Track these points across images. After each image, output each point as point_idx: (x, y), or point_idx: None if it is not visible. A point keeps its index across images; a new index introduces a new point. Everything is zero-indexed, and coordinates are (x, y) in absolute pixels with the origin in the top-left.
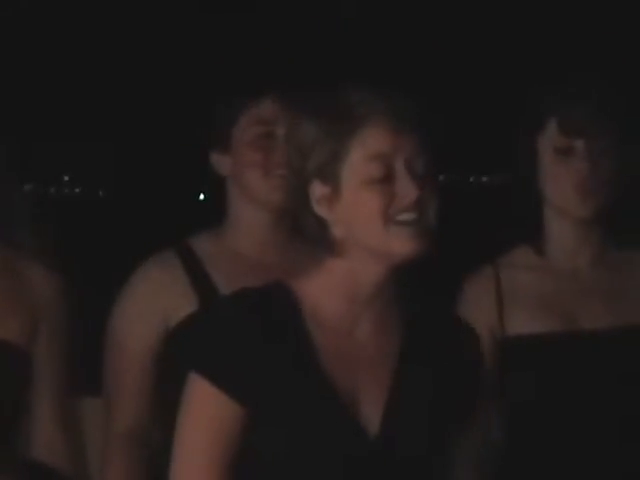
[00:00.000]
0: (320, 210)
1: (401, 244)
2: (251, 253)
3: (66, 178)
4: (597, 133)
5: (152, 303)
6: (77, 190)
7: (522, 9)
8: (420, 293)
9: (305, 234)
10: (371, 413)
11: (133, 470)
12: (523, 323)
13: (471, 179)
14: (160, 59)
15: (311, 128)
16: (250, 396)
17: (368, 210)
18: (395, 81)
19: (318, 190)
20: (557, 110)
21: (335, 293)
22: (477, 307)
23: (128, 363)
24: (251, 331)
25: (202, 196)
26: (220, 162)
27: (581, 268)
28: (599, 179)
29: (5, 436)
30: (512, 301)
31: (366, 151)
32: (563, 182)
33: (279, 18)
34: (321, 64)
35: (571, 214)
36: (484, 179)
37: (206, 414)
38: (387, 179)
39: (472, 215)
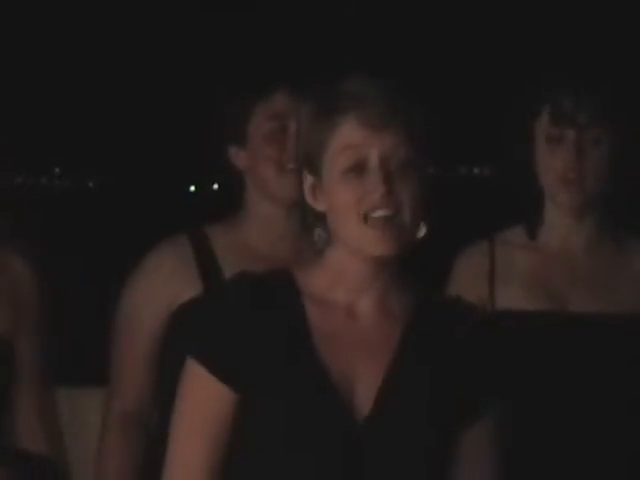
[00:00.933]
0: (310, 200)
1: (373, 244)
2: (263, 246)
3: (57, 170)
4: (588, 123)
5: (159, 286)
6: (67, 182)
7: (519, 1)
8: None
9: (305, 225)
10: (365, 398)
11: (129, 451)
12: (512, 299)
13: (462, 171)
14: (153, 53)
15: (303, 119)
16: (243, 381)
17: (342, 202)
18: (391, 73)
19: (307, 180)
20: (549, 98)
21: (331, 281)
22: (469, 279)
23: (132, 344)
24: (245, 315)
25: (192, 188)
26: (236, 156)
27: (574, 253)
28: (587, 170)
29: None
30: (504, 277)
31: (342, 141)
32: (552, 170)
33: (286, 15)
34: (330, 57)
35: (559, 202)
36: (475, 171)
37: (200, 398)
38: (361, 173)
39: (462, 206)
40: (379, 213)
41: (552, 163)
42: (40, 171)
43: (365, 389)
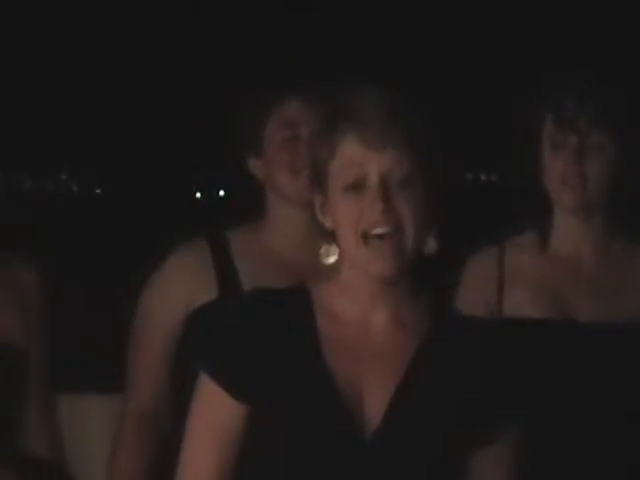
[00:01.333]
0: (320, 217)
1: (373, 264)
2: (284, 252)
3: (64, 176)
4: (590, 129)
5: (176, 289)
6: (74, 188)
7: (523, 5)
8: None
9: (293, 237)
10: (375, 413)
11: (144, 451)
12: (520, 306)
13: (469, 177)
14: (164, 61)
15: (311, 134)
16: (254, 396)
17: (343, 220)
18: (396, 79)
19: (317, 198)
20: (552, 105)
21: (344, 295)
22: (478, 284)
23: (149, 345)
24: (257, 330)
25: (198, 194)
26: (255, 166)
27: (583, 260)
28: (588, 174)
29: (3, 431)
30: (513, 283)
31: (343, 160)
32: (555, 175)
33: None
34: (337, 63)
35: (560, 205)
36: (482, 177)
37: (212, 412)
38: (360, 190)
39: (470, 213)
40: (378, 231)
41: (554, 167)
42: (47, 177)
43: (375, 404)
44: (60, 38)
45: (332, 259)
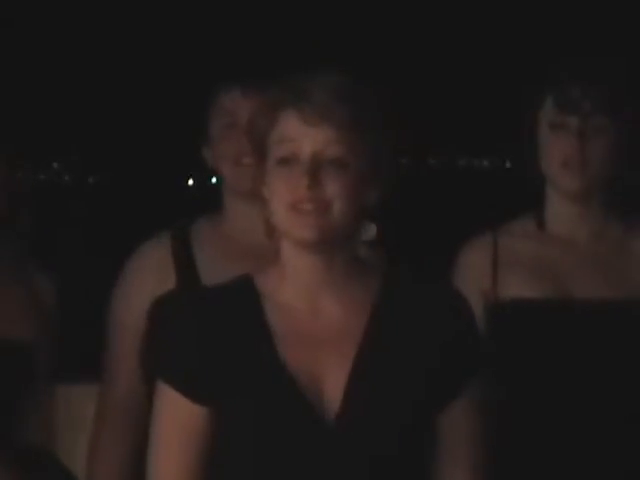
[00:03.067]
0: (261, 188)
1: (296, 230)
2: (241, 239)
3: (55, 165)
4: (592, 111)
5: (141, 284)
6: (66, 177)
7: None
8: (396, 266)
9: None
10: (333, 396)
11: (122, 445)
12: (516, 288)
13: (461, 162)
14: (150, 49)
15: (254, 111)
16: (210, 395)
17: (273, 192)
18: (383, 65)
19: (259, 169)
20: (554, 86)
21: (287, 280)
22: (472, 270)
23: (121, 341)
24: (205, 329)
25: (191, 181)
26: (207, 154)
27: (579, 241)
28: (589, 157)
29: (5, 425)
30: (507, 267)
31: (280, 132)
32: (553, 156)
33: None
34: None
35: (560, 188)
36: (474, 162)
37: (172, 415)
38: (292, 164)
39: (459, 197)
40: (303, 205)
41: (553, 149)
42: (39, 167)
43: (334, 388)
44: (48, 27)
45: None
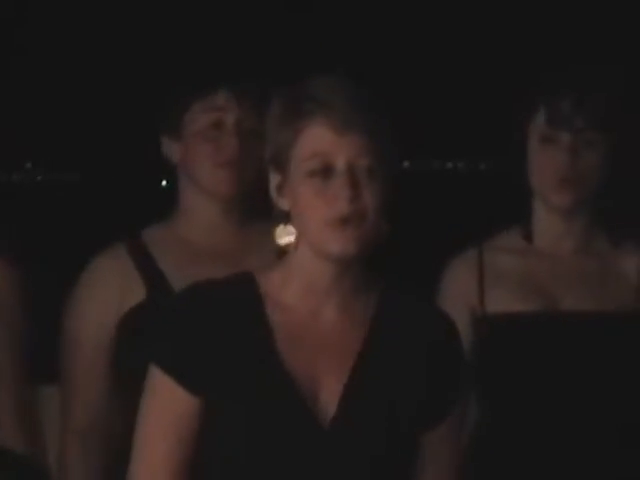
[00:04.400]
0: (275, 198)
1: (335, 244)
2: (202, 241)
3: (29, 165)
4: (583, 125)
5: (102, 300)
6: (40, 177)
7: None
8: (394, 282)
9: (274, 221)
10: (329, 402)
11: (89, 465)
12: (503, 302)
13: (436, 165)
14: (129, 45)
15: (271, 117)
16: (203, 386)
17: (306, 206)
18: (372, 69)
19: (273, 178)
20: (546, 99)
21: (294, 284)
22: (458, 286)
23: (81, 359)
24: (206, 320)
25: (164, 182)
26: (170, 148)
27: (565, 254)
28: (580, 172)
29: None
30: (494, 282)
31: (308, 148)
32: (544, 171)
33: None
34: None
35: (550, 203)
36: (449, 165)
37: (164, 403)
38: (326, 176)
39: (442, 201)
40: (342, 216)
41: (546, 164)
42: (11, 167)
43: (330, 393)
44: (25, 26)
45: (287, 240)
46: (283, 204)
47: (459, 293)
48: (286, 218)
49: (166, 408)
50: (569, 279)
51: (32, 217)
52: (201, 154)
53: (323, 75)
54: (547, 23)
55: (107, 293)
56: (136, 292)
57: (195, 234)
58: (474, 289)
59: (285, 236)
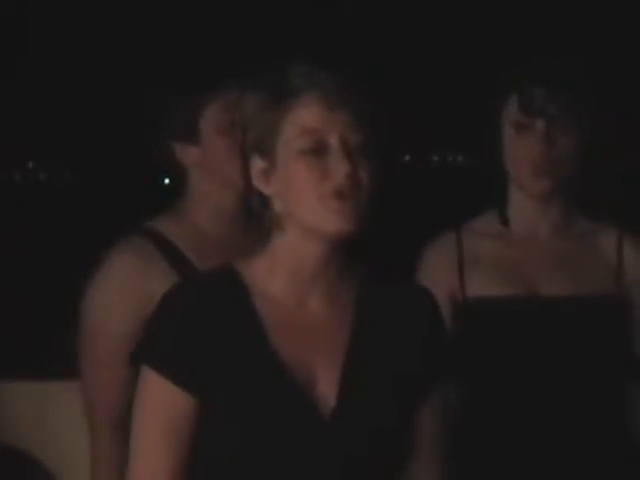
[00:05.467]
0: (259, 185)
1: (333, 222)
2: (217, 232)
3: (30, 164)
4: (557, 113)
5: (132, 288)
6: (42, 176)
7: None
8: (376, 267)
9: (251, 211)
10: (327, 391)
11: (118, 452)
12: (483, 286)
13: (435, 158)
14: (128, 41)
15: (250, 103)
16: (198, 384)
17: (300, 184)
18: (361, 59)
19: (257, 165)
20: (519, 87)
21: (280, 271)
22: (438, 270)
23: (109, 350)
24: (195, 318)
25: (167, 180)
26: (185, 152)
27: (542, 238)
28: (556, 158)
29: None
30: (473, 265)
31: (298, 126)
32: (520, 158)
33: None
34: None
35: (527, 190)
36: (449, 159)
37: (158, 405)
38: (319, 153)
39: (435, 193)
40: (341, 192)
41: (521, 152)
42: (13, 167)
43: (325, 383)
44: (22, 22)
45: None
46: (268, 189)
47: (439, 277)
48: (266, 207)
49: (163, 409)
50: (547, 262)
51: (34, 215)
52: (220, 150)
53: (299, 64)
54: (521, 17)
55: (133, 282)
56: (167, 281)
57: (210, 226)
58: (454, 273)
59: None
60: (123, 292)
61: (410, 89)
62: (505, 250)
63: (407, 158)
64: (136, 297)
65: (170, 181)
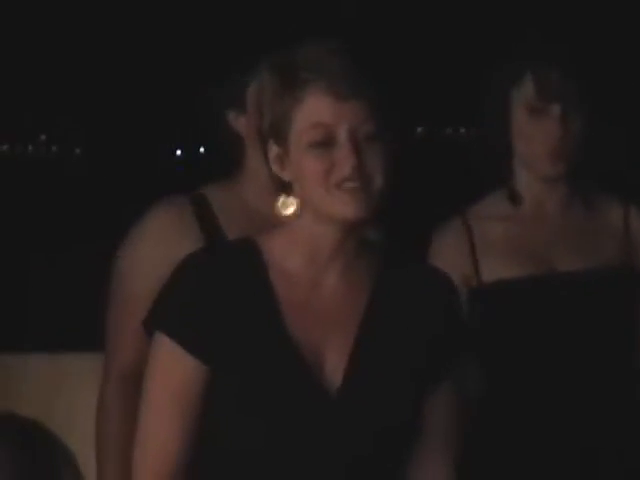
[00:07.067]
0: (275, 169)
1: (342, 208)
2: (262, 206)
3: (43, 137)
4: (572, 96)
5: (162, 248)
6: (54, 149)
7: None
8: (394, 246)
9: (273, 191)
10: (335, 370)
11: (131, 413)
12: (498, 269)
13: (448, 131)
14: (141, 17)
15: (267, 88)
16: (209, 352)
17: (310, 174)
18: (369, 35)
19: (273, 150)
20: (534, 70)
21: (296, 251)
22: (449, 258)
23: (132, 304)
24: (210, 287)
25: (179, 152)
26: (236, 121)
27: (550, 214)
28: (571, 142)
29: None
30: (485, 249)
31: (308, 119)
32: (536, 143)
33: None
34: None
35: (540, 175)
36: (461, 130)
37: (170, 370)
38: (329, 145)
39: (447, 166)
40: (348, 185)
41: (536, 135)
42: (26, 139)
43: (334, 361)
44: (34, 5)
45: (290, 211)
46: (284, 175)
47: (451, 264)
48: (287, 189)
49: (173, 374)
50: (558, 239)
51: (47, 189)
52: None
53: (315, 41)
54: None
55: (167, 243)
56: (193, 247)
57: (256, 200)
58: (467, 258)
59: (288, 207)
60: (150, 254)
61: (420, 63)
62: (516, 230)
63: (419, 130)
64: (162, 260)
65: (182, 153)
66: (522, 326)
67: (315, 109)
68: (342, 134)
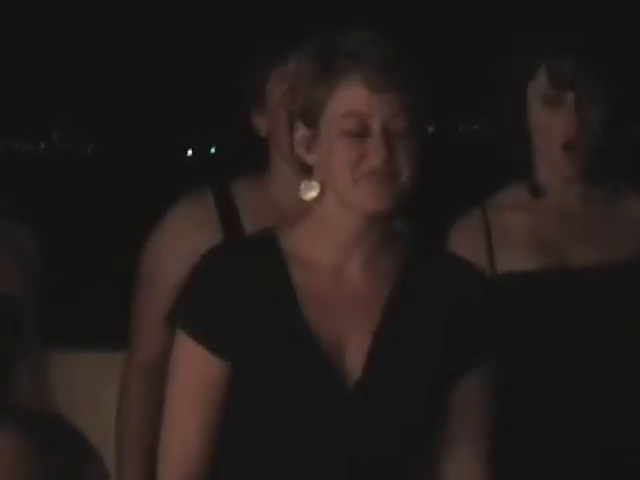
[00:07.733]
0: (300, 151)
1: (364, 198)
2: (286, 203)
3: (55, 135)
4: (586, 85)
5: (182, 240)
6: (66, 146)
7: None
8: (419, 238)
9: (294, 174)
10: (355, 362)
11: (150, 401)
12: (514, 261)
13: (460, 127)
14: (153, 15)
15: (304, 72)
16: (231, 350)
17: (339, 162)
18: (385, 26)
19: (300, 131)
20: (548, 60)
21: (318, 240)
22: (466, 249)
23: (155, 297)
24: (230, 283)
25: (190, 152)
26: (259, 123)
27: (570, 205)
28: (588, 132)
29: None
30: (502, 241)
31: (342, 108)
32: (553, 135)
33: None
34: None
35: (558, 174)
36: (474, 127)
37: (191, 366)
38: (362, 135)
39: (461, 162)
40: (376, 176)
41: (552, 126)
42: (38, 137)
43: (354, 353)
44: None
45: (312, 194)
46: (310, 159)
47: (468, 256)
48: (308, 172)
49: (195, 375)
50: (576, 231)
51: (58, 186)
52: (279, 121)
53: (355, 28)
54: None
55: (187, 236)
56: (214, 240)
57: (280, 197)
58: (483, 250)
59: (310, 191)
60: (172, 247)
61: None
62: (533, 221)
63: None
64: (183, 253)
65: (192, 152)
66: (534, 320)
67: (350, 98)
68: (375, 126)
